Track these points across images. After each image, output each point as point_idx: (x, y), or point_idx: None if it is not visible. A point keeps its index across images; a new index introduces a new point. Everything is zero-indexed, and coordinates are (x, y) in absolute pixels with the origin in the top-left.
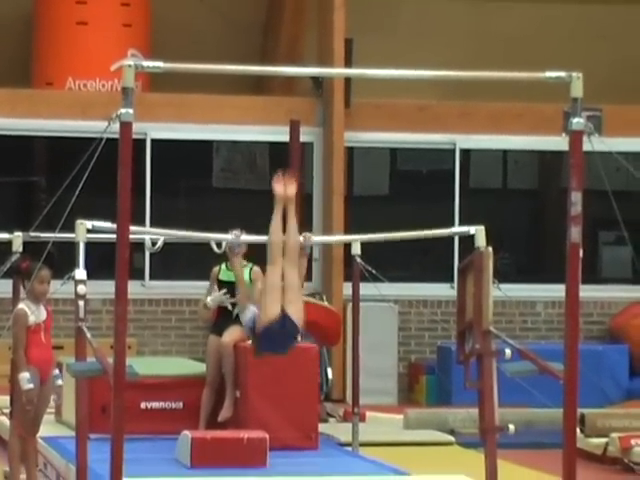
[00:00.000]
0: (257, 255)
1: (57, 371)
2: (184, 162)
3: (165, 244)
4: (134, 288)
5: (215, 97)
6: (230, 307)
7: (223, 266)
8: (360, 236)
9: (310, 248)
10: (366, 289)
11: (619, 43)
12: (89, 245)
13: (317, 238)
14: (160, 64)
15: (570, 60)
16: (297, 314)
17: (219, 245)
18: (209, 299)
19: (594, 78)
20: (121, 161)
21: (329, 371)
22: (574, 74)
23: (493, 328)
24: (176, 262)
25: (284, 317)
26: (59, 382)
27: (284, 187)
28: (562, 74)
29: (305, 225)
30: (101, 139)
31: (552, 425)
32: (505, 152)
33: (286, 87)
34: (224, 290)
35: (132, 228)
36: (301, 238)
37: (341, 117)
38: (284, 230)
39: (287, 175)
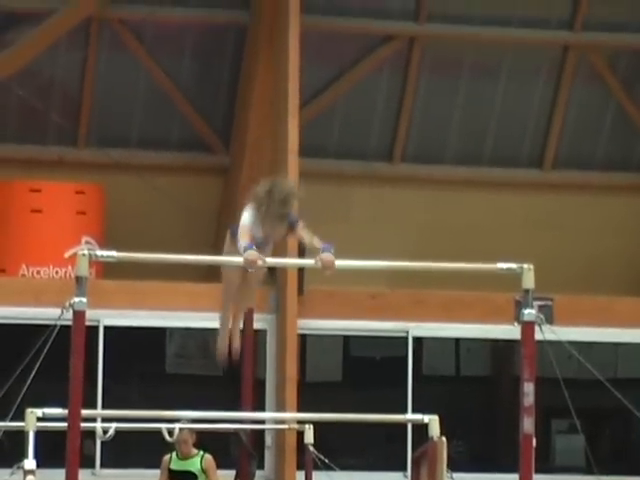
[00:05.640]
0: (209, 444)
1: None
2: (137, 348)
3: (117, 432)
4: (85, 477)
5: (168, 284)
6: None
7: (174, 454)
8: (313, 415)
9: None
10: (319, 477)
11: (569, 233)
12: (40, 433)
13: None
14: (114, 253)
15: (521, 249)
16: None
17: (171, 433)
18: None
19: (545, 267)
20: (73, 349)
21: None
22: (525, 266)
23: None
24: (127, 450)
25: None
26: None
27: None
28: (513, 265)
29: (258, 409)
30: (54, 326)
31: None
32: (457, 340)
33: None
34: None
35: (84, 412)
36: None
37: (294, 304)
38: None
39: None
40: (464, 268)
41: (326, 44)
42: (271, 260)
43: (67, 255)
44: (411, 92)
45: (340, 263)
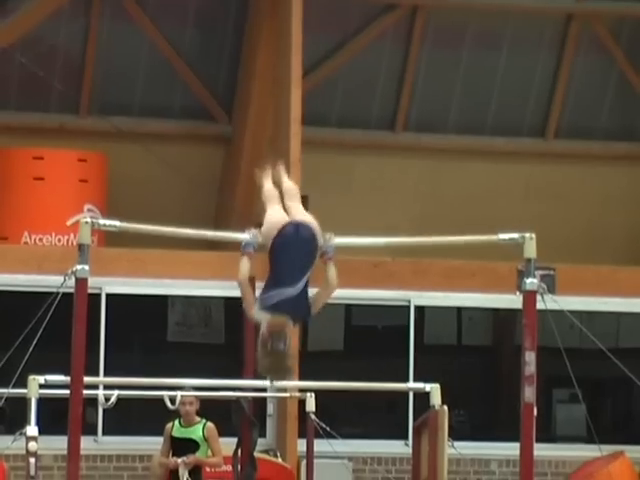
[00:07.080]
0: (210, 412)
1: None
2: (139, 316)
3: (118, 399)
4: (86, 444)
5: (170, 252)
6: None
7: (177, 422)
8: (315, 383)
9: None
10: (320, 446)
11: (571, 203)
12: (42, 399)
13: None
14: (116, 223)
15: (523, 218)
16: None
17: (172, 401)
18: None
19: (547, 237)
20: (76, 317)
21: None
22: (527, 235)
23: None
24: (129, 417)
25: (295, 222)
26: None
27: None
28: (515, 235)
29: (259, 377)
30: (57, 294)
31: None
32: (459, 309)
33: (240, 243)
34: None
35: (86, 379)
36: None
37: None
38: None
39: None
40: (467, 240)
41: (329, 12)
42: None
43: (69, 223)
44: (414, 61)
45: (341, 240)
